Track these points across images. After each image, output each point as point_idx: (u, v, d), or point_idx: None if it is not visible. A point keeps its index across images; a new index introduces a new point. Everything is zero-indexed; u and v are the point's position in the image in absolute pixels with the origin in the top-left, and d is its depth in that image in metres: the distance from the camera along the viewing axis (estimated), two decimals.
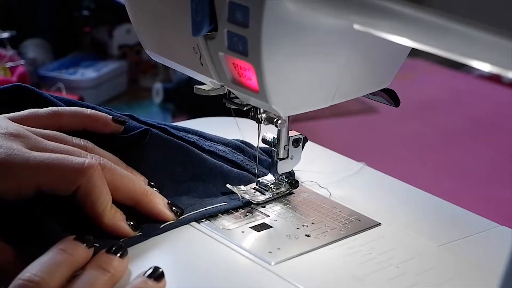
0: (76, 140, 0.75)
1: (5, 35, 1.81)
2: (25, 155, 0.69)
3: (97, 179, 0.70)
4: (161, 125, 0.85)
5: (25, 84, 0.80)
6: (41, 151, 0.70)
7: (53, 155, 0.70)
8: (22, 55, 1.89)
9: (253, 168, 0.83)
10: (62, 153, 0.71)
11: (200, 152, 0.82)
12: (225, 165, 0.82)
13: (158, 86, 2.01)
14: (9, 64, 1.74)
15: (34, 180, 0.69)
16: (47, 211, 0.70)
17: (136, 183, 0.74)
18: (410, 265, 0.70)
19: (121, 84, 2.06)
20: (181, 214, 0.75)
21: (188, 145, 0.82)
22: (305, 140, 0.82)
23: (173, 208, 0.75)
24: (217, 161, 0.82)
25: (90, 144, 0.76)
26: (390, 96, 0.79)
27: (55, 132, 0.75)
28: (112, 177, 0.72)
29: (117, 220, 0.72)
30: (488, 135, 2.13)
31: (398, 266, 0.70)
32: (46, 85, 1.91)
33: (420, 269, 0.70)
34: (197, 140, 0.85)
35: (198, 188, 0.80)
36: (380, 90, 0.79)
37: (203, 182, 0.80)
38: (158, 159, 0.79)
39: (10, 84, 0.80)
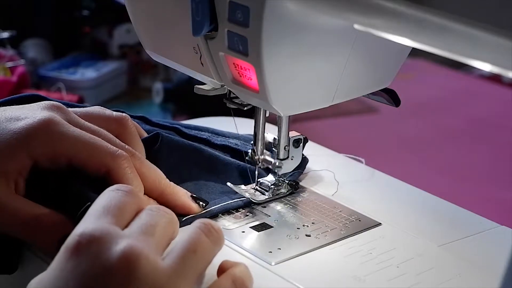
0: (116, 113, 0.77)
1: (5, 35, 1.81)
2: (65, 126, 0.71)
3: (127, 166, 0.72)
4: (174, 125, 0.86)
5: (41, 94, 0.81)
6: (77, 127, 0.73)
7: (90, 135, 0.72)
8: (22, 55, 1.89)
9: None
10: (95, 133, 0.73)
11: (212, 151, 0.83)
12: (239, 161, 0.83)
13: (158, 86, 2.01)
14: (9, 64, 1.74)
15: (69, 152, 0.71)
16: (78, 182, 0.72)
17: (161, 175, 0.75)
18: (410, 265, 0.70)
19: (121, 84, 2.05)
20: (206, 205, 0.76)
21: (200, 145, 0.83)
22: (305, 140, 0.82)
23: (197, 200, 0.76)
24: (230, 157, 0.83)
25: (130, 121, 0.77)
26: (391, 96, 0.79)
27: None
28: (140, 165, 0.73)
29: None
30: (488, 135, 2.12)
31: (399, 266, 0.70)
32: (46, 85, 1.91)
33: (420, 269, 0.70)
34: (209, 136, 0.87)
35: (216, 185, 0.80)
36: (380, 90, 0.79)
37: (220, 180, 0.81)
38: (172, 161, 0.80)
39: (26, 93, 0.81)
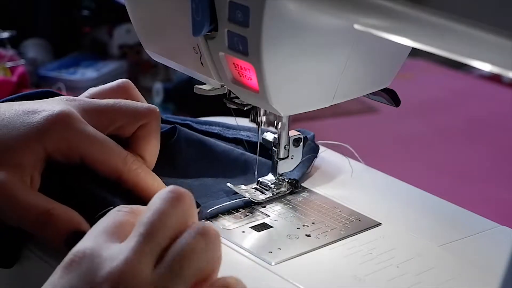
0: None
1: (5, 35, 1.81)
2: (81, 123, 0.72)
3: (137, 167, 0.73)
4: (184, 121, 0.87)
5: (54, 90, 0.81)
6: (93, 111, 0.74)
7: (104, 136, 0.73)
8: (22, 55, 1.89)
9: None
10: (114, 106, 0.75)
11: (225, 144, 0.84)
12: (253, 154, 0.84)
13: (158, 86, 2.01)
14: (9, 64, 1.74)
15: (82, 150, 0.72)
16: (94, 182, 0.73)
17: (158, 179, 0.75)
18: (410, 265, 0.70)
19: None
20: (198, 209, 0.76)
21: (216, 140, 0.85)
22: (305, 140, 0.82)
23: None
24: (243, 150, 0.85)
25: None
26: (391, 96, 0.79)
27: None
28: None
29: None
30: (488, 135, 2.13)
31: (398, 266, 0.70)
32: (46, 85, 1.91)
33: (420, 269, 0.70)
34: (220, 130, 0.88)
35: (235, 179, 0.81)
36: (380, 90, 0.79)
37: (238, 172, 0.82)
38: (190, 154, 0.81)
39: (41, 90, 0.81)
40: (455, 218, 0.80)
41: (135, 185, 0.73)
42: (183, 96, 1.95)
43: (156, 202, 0.60)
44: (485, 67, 0.57)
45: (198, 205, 0.76)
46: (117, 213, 0.62)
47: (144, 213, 0.60)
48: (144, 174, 0.73)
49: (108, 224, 0.61)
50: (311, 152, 0.85)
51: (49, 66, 2.01)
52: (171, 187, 0.61)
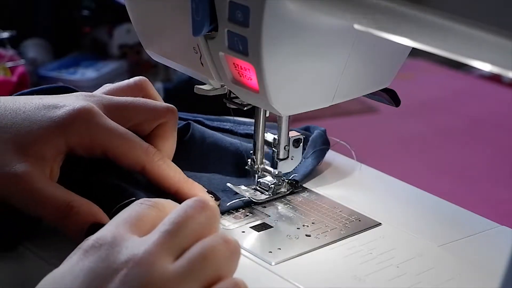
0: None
1: (5, 35, 1.81)
2: (102, 117, 0.73)
3: (159, 159, 0.74)
4: (196, 118, 0.88)
5: (66, 85, 0.82)
6: (112, 107, 0.75)
7: (125, 129, 0.73)
8: (22, 55, 1.89)
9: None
10: (133, 103, 0.76)
11: (237, 140, 0.85)
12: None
13: (158, 86, 2.01)
14: (9, 64, 1.74)
15: (105, 143, 0.72)
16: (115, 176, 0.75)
17: (179, 170, 0.76)
18: (410, 265, 0.70)
19: None
20: (219, 203, 0.76)
21: (227, 136, 0.85)
22: (305, 140, 0.82)
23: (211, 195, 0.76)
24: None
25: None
26: (391, 96, 0.79)
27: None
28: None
29: (198, 190, 0.75)
30: (488, 135, 2.12)
31: (398, 266, 0.70)
32: (46, 85, 1.91)
33: (420, 269, 0.70)
34: (231, 126, 0.89)
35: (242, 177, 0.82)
36: (380, 90, 0.79)
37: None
38: (205, 151, 0.81)
39: (55, 85, 0.81)
40: (455, 218, 0.80)
41: (157, 177, 0.74)
42: (183, 96, 1.94)
43: (182, 206, 0.61)
44: (485, 67, 0.57)
45: (217, 199, 0.76)
46: (140, 206, 0.63)
47: (169, 213, 0.61)
48: (166, 166, 0.74)
49: (131, 215, 0.61)
50: (325, 144, 0.85)
51: (49, 66, 2.01)
52: (199, 196, 0.63)
